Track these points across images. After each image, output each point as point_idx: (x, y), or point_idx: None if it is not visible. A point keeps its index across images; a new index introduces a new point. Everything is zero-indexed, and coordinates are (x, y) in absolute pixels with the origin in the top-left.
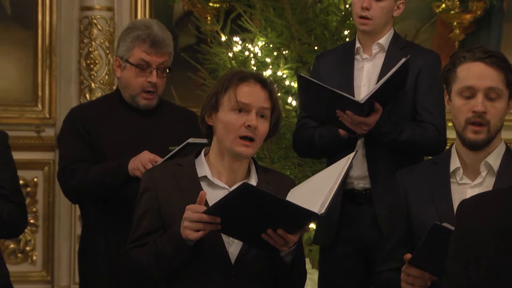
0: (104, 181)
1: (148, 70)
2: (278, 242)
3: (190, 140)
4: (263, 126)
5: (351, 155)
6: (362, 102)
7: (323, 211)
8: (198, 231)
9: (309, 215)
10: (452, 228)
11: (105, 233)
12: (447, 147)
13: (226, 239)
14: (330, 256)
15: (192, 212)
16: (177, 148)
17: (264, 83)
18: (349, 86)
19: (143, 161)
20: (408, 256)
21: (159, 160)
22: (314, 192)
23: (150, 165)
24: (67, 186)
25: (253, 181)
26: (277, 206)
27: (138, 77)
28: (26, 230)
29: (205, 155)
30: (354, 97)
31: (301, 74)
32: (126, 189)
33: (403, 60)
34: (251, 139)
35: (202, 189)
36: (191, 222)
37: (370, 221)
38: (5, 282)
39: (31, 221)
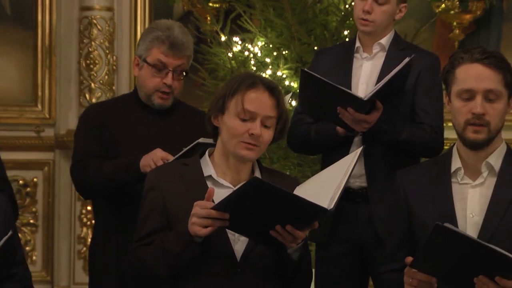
0: (115, 177)
1: (164, 71)
2: (287, 239)
3: (200, 140)
4: (267, 134)
5: (359, 150)
6: (365, 99)
7: (332, 206)
8: (206, 227)
9: (319, 210)
10: (454, 228)
11: (115, 231)
12: (445, 148)
13: (231, 236)
14: (326, 255)
15: (200, 208)
16: (187, 148)
17: (272, 90)
18: (347, 84)
19: (154, 158)
20: (410, 259)
21: (171, 158)
22: (322, 188)
23: (162, 162)
24: (80, 180)
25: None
26: (286, 201)
27: (153, 77)
28: (26, 230)
29: (209, 155)
30: None
31: (306, 69)
32: (137, 187)
33: (407, 59)
34: (254, 145)
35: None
36: (199, 218)
37: (366, 220)
38: (28, 284)
39: (31, 221)
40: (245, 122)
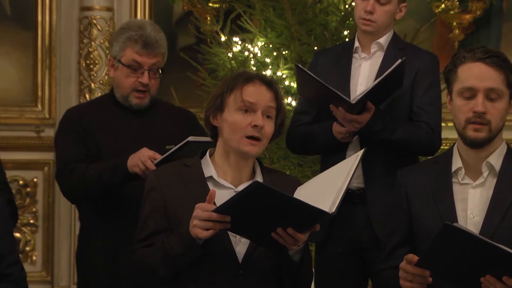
0: (103, 179)
1: (140, 71)
2: (288, 241)
3: (190, 138)
4: (269, 126)
5: (360, 152)
6: (353, 102)
7: (334, 209)
8: (207, 229)
9: (320, 214)
10: (464, 228)
11: (102, 233)
12: (446, 147)
13: (233, 238)
14: (325, 256)
15: (202, 210)
16: (177, 146)
17: (269, 84)
18: (346, 84)
19: (142, 157)
20: (411, 256)
21: (158, 157)
22: (324, 191)
23: (149, 161)
24: (66, 187)
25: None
26: (288, 205)
27: (129, 77)
28: (26, 230)
29: (210, 156)
30: (350, 95)
31: (299, 65)
32: (124, 189)
33: (399, 61)
34: (257, 139)
35: (209, 189)
36: (201, 220)
37: (364, 221)
38: (23, 285)
39: (31, 221)
40: (247, 115)
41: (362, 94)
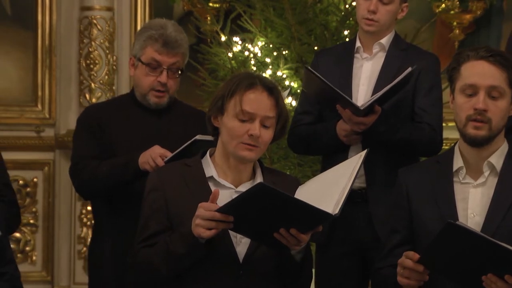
0: (114, 175)
1: (158, 69)
2: (291, 242)
3: (198, 136)
4: (266, 134)
5: (363, 153)
6: (362, 108)
7: (337, 211)
8: (210, 229)
9: (324, 216)
10: (466, 226)
11: (113, 229)
12: (446, 147)
13: (233, 238)
14: (326, 256)
15: (205, 210)
16: (185, 145)
17: (271, 90)
18: (348, 84)
19: (153, 155)
20: (412, 253)
21: (169, 154)
22: (326, 191)
23: (160, 159)
24: (78, 182)
25: (259, 181)
26: (292, 207)
27: (148, 76)
28: (26, 230)
29: (210, 156)
30: (352, 95)
31: (309, 67)
32: (135, 186)
33: (409, 69)
34: (254, 145)
35: (211, 189)
36: (204, 220)
37: (365, 221)
38: (17, 285)
39: (31, 221)
40: (244, 123)
41: (371, 101)
